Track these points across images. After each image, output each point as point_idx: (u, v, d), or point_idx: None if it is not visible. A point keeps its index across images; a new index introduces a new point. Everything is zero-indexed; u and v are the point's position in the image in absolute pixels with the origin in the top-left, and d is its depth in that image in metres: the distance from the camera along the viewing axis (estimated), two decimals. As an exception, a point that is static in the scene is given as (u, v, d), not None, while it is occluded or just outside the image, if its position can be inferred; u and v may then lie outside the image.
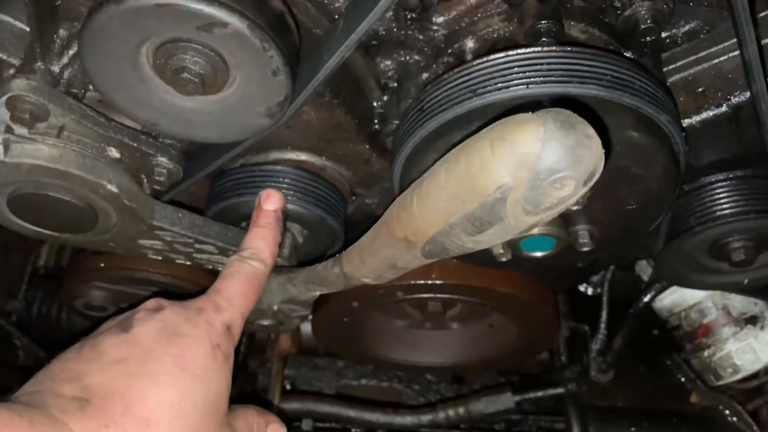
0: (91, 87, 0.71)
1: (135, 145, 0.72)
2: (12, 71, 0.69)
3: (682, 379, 1.26)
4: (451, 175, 0.48)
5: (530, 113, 0.45)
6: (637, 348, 1.31)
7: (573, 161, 0.43)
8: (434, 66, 0.81)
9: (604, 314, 1.19)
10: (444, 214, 0.50)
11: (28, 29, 0.67)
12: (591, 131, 0.44)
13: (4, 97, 0.65)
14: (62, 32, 0.69)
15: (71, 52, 0.69)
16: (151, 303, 0.64)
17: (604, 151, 0.44)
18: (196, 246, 0.83)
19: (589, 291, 1.31)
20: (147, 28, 0.60)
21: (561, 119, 0.43)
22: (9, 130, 0.67)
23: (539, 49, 0.67)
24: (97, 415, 0.53)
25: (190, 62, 0.62)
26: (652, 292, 1.13)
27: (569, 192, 0.44)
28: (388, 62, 0.83)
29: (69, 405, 0.54)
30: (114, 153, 0.72)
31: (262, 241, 0.72)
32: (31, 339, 1.21)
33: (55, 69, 0.69)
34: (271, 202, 0.75)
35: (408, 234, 0.54)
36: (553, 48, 0.67)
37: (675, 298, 1.16)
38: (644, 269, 1.21)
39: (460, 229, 0.50)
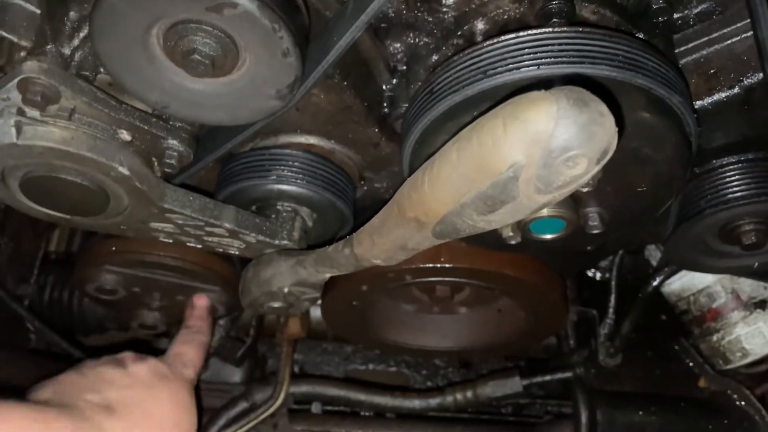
0: (101, 69, 0.71)
1: (146, 127, 0.73)
2: (23, 53, 0.69)
3: (691, 364, 1.26)
4: (463, 155, 0.48)
5: (543, 91, 0.45)
6: (646, 333, 1.30)
7: (586, 139, 0.43)
8: (444, 48, 0.81)
9: (612, 299, 1.19)
10: (455, 193, 0.50)
11: (38, 11, 0.67)
12: (604, 109, 0.44)
13: (16, 80, 0.66)
14: (73, 14, 0.69)
15: (82, 35, 0.69)
16: (131, 354, 0.86)
17: (617, 129, 0.44)
18: (207, 229, 0.83)
19: (598, 276, 1.31)
20: (157, 9, 0.60)
21: (574, 97, 0.43)
22: (21, 112, 0.68)
23: (550, 30, 0.67)
24: (124, 420, 0.73)
25: (200, 44, 0.63)
26: (661, 277, 1.13)
27: (582, 170, 0.44)
28: (398, 45, 0.83)
29: (100, 410, 0.72)
30: (125, 136, 0.72)
31: (202, 321, 1.01)
32: (43, 323, 1.22)
33: (66, 51, 0.69)
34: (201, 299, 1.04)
35: (419, 214, 0.54)
36: (564, 29, 0.67)
37: (684, 283, 1.15)
38: (653, 254, 1.21)
39: (472, 209, 0.50)
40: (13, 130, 0.67)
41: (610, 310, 1.21)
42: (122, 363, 0.83)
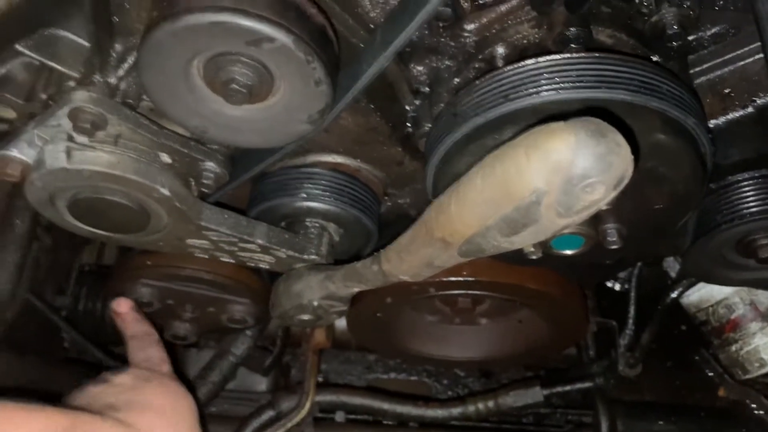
0: (145, 97, 0.76)
1: (185, 151, 0.77)
2: (72, 83, 0.75)
3: (710, 374, 1.27)
4: (488, 181, 0.51)
5: (562, 122, 0.48)
6: (665, 343, 1.32)
7: (603, 168, 0.46)
8: (465, 71, 0.84)
9: (631, 310, 1.21)
10: (481, 216, 0.53)
11: (87, 44, 0.72)
12: (620, 139, 0.47)
13: (67, 108, 0.70)
14: (118, 46, 0.74)
15: (127, 65, 0.74)
16: (108, 371, 0.89)
17: (633, 157, 0.47)
18: (240, 245, 0.88)
19: (617, 287, 1.33)
20: (200, 44, 0.64)
21: (592, 128, 0.46)
22: (71, 138, 0.72)
23: (568, 55, 0.70)
24: (144, 412, 0.79)
25: (239, 74, 0.67)
26: (680, 289, 1.15)
27: (600, 196, 0.47)
28: (421, 68, 0.86)
29: (125, 412, 0.77)
30: (166, 158, 0.77)
31: (139, 323, 1.04)
32: (78, 332, 1.27)
33: (113, 81, 0.74)
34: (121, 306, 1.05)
35: (445, 235, 0.58)
36: (582, 54, 0.70)
37: (702, 294, 1.17)
38: (672, 265, 1.23)
39: (496, 231, 0.53)
40: (64, 156, 0.72)
41: (630, 321, 1.23)
42: (101, 379, 0.87)
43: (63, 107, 0.71)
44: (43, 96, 0.75)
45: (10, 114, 0.76)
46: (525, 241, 0.54)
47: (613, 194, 0.48)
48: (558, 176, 0.46)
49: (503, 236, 0.53)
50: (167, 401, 0.84)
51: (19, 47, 0.71)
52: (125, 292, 1.08)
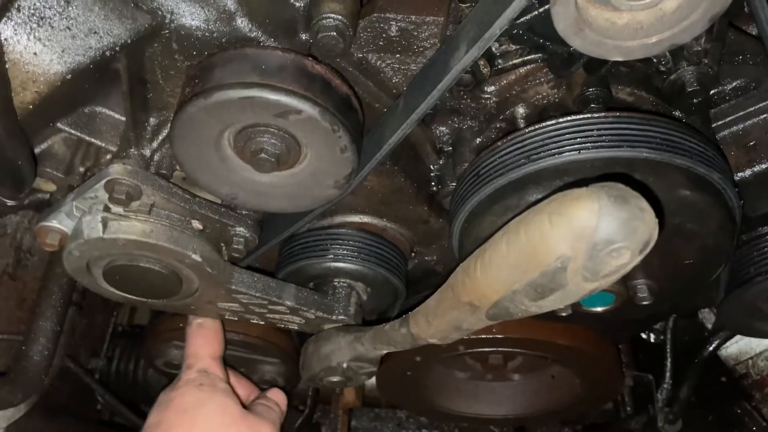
0: (177, 167, 0.79)
1: (216, 217, 0.79)
2: (109, 156, 0.78)
3: (753, 428, 1.22)
4: (513, 246, 0.52)
5: (585, 188, 0.48)
6: (705, 396, 1.28)
7: (628, 233, 0.46)
8: (487, 131, 0.85)
9: (668, 363, 1.18)
10: (507, 281, 0.53)
11: (123, 119, 0.76)
12: (644, 204, 0.47)
13: (103, 181, 0.73)
14: (152, 120, 0.77)
15: (160, 138, 0.77)
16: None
17: (657, 220, 0.47)
18: (270, 307, 0.89)
19: (652, 338, 1.30)
20: (230, 117, 0.67)
21: (615, 194, 0.47)
22: (107, 209, 0.75)
23: (589, 115, 0.71)
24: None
25: (267, 144, 0.69)
26: (717, 341, 1.12)
27: (626, 260, 0.47)
28: (443, 128, 0.88)
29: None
30: (197, 225, 0.79)
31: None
32: (111, 393, 1.28)
33: (147, 153, 0.77)
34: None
35: (473, 299, 0.58)
36: (602, 114, 0.71)
37: (741, 346, 1.14)
38: (708, 316, 1.20)
39: (523, 295, 0.53)
40: (100, 226, 0.74)
41: (667, 375, 1.20)
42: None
43: (100, 180, 0.73)
44: (81, 169, 0.79)
45: (51, 187, 0.79)
46: (553, 305, 0.53)
47: (639, 258, 0.48)
48: (583, 242, 0.47)
49: (531, 300, 0.53)
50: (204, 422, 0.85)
51: (59, 125, 0.75)
52: (159, 354, 1.10)
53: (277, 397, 0.98)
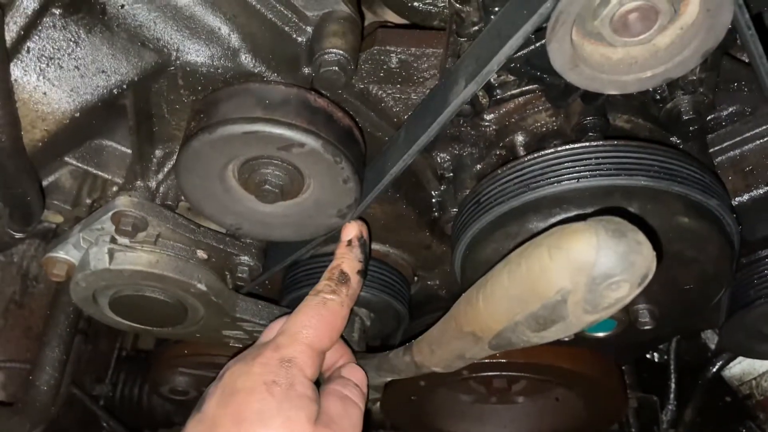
0: (182, 198, 0.80)
1: (221, 246, 0.80)
2: (115, 188, 0.79)
3: (761, 450, 1.22)
4: (514, 279, 0.53)
5: (583, 222, 0.49)
6: (710, 417, 1.28)
7: (626, 266, 0.47)
8: (487, 158, 0.87)
9: (672, 384, 1.18)
10: (509, 313, 0.54)
11: (129, 152, 0.77)
12: (641, 237, 0.48)
13: (110, 213, 0.75)
14: (158, 152, 0.78)
15: (166, 169, 0.79)
16: (221, 372, 0.71)
17: (655, 253, 0.48)
18: (274, 334, 0.89)
19: (656, 357, 1.30)
20: (234, 150, 0.68)
21: (612, 228, 0.48)
22: (113, 240, 0.76)
23: (587, 144, 0.72)
24: None
25: (271, 176, 0.70)
26: (720, 362, 1.12)
27: (625, 293, 0.48)
28: (444, 155, 0.90)
29: None
30: (202, 254, 0.80)
31: (331, 273, 0.76)
32: (115, 418, 1.29)
33: (152, 184, 0.78)
34: (347, 233, 0.78)
35: (475, 329, 0.59)
36: (600, 142, 0.72)
37: (744, 367, 1.14)
38: (711, 337, 1.20)
39: (525, 326, 0.54)
40: (107, 257, 0.76)
41: (671, 396, 1.20)
42: (201, 403, 0.69)
43: (107, 212, 0.75)
44: (88, 201, 0.80)
45: (58, 219, 0.81)
46: (555, 335, 0.54)
47: (638, 290, 0.49)
48: (582, 276, 0.48)
49: (532, 332, 0.54)
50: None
51: (67, 158, 0.76)
52: (164, 381, 1.10)
53: (356, 376, 0.75)
